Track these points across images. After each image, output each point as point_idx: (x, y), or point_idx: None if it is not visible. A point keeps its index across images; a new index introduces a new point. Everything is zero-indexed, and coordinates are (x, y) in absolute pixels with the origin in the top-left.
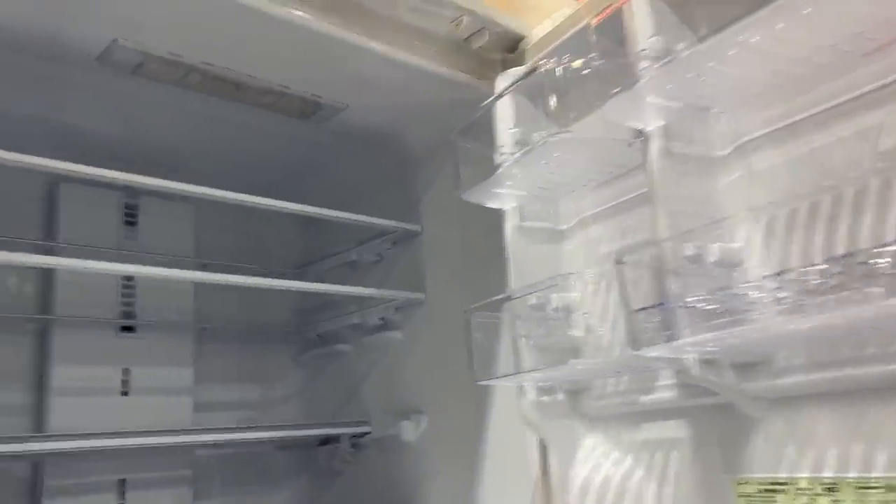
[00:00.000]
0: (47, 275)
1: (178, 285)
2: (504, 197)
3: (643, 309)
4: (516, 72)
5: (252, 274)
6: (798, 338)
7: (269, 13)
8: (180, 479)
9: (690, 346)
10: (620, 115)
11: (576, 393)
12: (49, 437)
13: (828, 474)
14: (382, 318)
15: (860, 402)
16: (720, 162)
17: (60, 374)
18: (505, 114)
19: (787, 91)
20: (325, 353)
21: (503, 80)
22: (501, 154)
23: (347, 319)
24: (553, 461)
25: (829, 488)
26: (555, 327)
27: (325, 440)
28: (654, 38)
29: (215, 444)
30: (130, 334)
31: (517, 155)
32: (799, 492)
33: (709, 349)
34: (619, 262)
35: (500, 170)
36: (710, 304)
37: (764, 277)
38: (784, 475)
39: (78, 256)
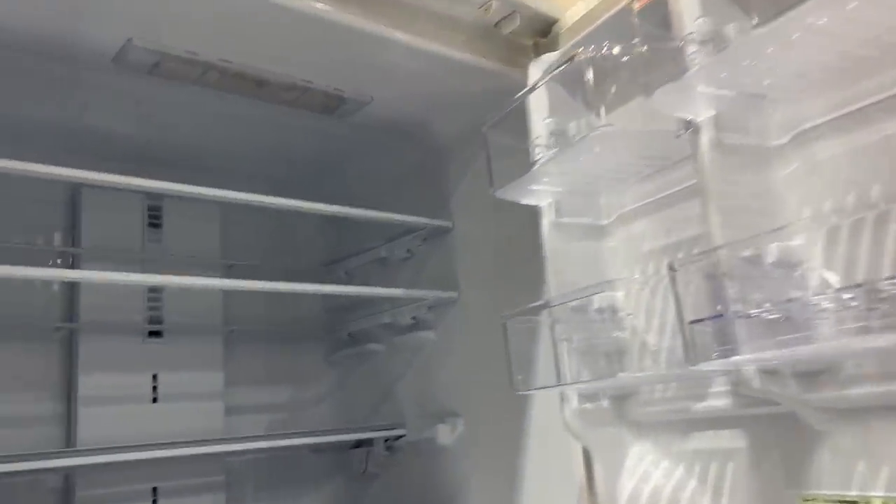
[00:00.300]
0: (72, 281)
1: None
2: (541, 193)
3: (699, 321)
4: (550, 58)
5: (280, 272)
6: (869, 349)
7: (287, 6)
8: (213, 485)
9: (752, 360)
10: (669, 105)
11: (621, 399)
12: (79, 452)
13: None
14: (415, 318)
15: None
16: (776, 153)
17: (88, 383)
18: (539, 104)
19: (853, 74)
20: (357, 352)
21: (536, 68)
22: (536, 147)
23: (379, 318)
24: (598, 470)
25: None
26: (597, 330)
27: (359, 443)
28: (701, 20)
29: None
30: (158, 339)
31: (555, 151)
32: None
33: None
34: (672, 269)
35: (537, 166)
36: (772, 314)
37: (838, 290)
38: (855, 493)
39: (102, 261)
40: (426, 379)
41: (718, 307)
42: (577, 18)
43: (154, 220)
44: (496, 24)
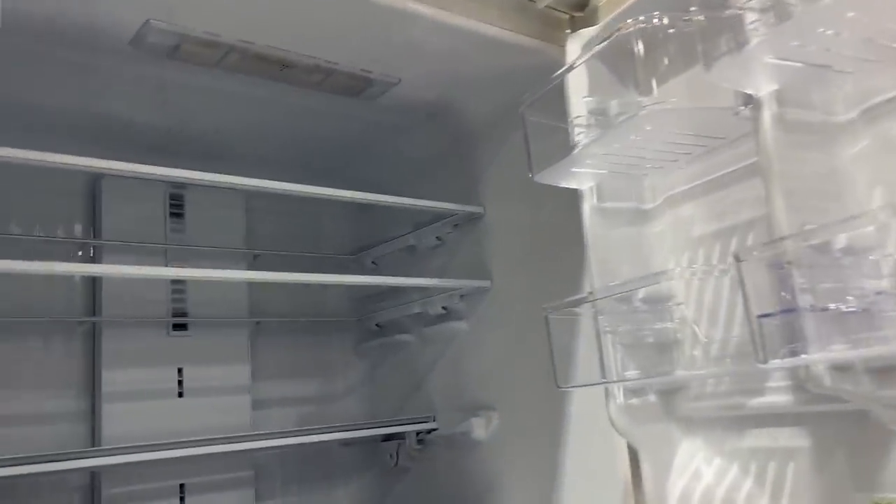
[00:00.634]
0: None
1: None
2: (583, 176)
3: (767, 315)
4: (588, 32)
5: (306, 261)
6: None
7: None
8: (241, 480)
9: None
10: (729, 79)
11: (669, 394)
12: (104, 452)
13: None
14: (445, 308)
15: None
16: (844, 129)
17: (112, 379)
18: (578, 81)
19: None
20: (386, 343)
21: (574, 43)
22: (576, 127)
23: (408, 309)
24: (646, 469)
25: None
26: (643, 321)
27: (390, 435)
28: None
29: None
30: (183, 332)
31: (600, 131)
32: None
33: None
34: (738, 259)
35: (580, 148)
36: (847, 307)
37: None
38: None
39: (123, 252)
40: (458, 371)
41: (786, 298)
42: None
43: (176, 209)
44: None
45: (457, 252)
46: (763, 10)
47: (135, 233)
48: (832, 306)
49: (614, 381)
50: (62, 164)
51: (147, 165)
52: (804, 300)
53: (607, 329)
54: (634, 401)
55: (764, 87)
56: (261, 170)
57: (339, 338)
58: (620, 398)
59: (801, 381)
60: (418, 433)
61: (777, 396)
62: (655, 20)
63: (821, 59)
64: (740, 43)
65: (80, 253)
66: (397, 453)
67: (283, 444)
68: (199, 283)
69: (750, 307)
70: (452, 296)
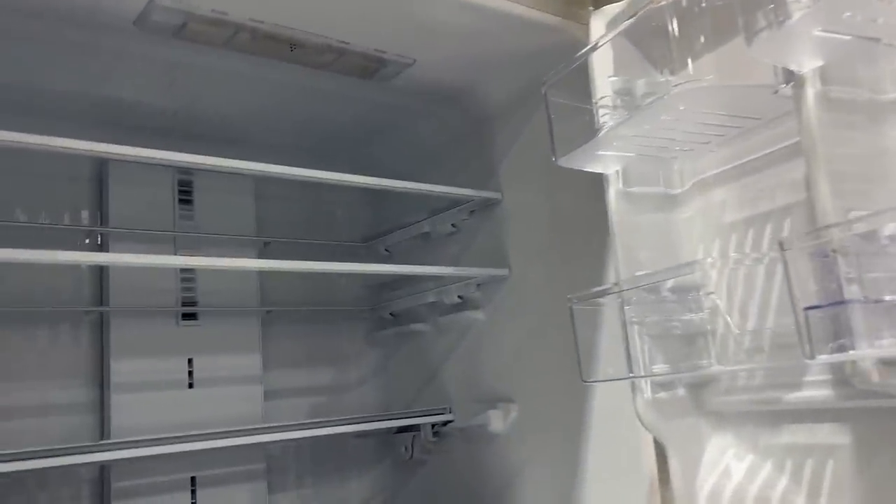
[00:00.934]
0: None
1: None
2: (609, 160)
3: (815, 307)
4: (613, 9)
5: (318, 249)
6: None
7: None
8: (254, 473)
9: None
10: (772, 54)
11: (699, 387)
12: (114, 446)
13: None
14: (461, 297)
15: None
16: (893, 108)
17: (121, 369)
18: (604, 60)
19: None
20: (400, 333)
21: (597, 20)
22: (601, 109)
23: (423, 297)
24: (674, 465)
25: None
26: (672, 311)
27: (405, 427)
28: None
29: None
30: (193, 322)
31: (630, 111)
32: None
33: None
34: (784, 248)
35: (606, 130)
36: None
37: None
38: None
39: (131, 240)
40: (474, 361)
41: (831, 289)
42: None
43: (185, 196)
44: None
45: (473, 239)
46: None
47: (142, 220)
48: (887, 297)
49: (644, 376)
50: (64, 148)
51: (153, 150)
52: (851, 291)
53: (634, 320)
54: (663, 395)
55: (808, 63)
56: (271, 155)
57: (351, 327)
58: (648, 392)
59: (846, 377)
60: (433, 425)
61: (816, 391)
62: None
63: (870, 32)
64: (783, 15)
65: (86, 241)
66: (412, 445)
67: (295, 436)
68: (209, 271)
69: (796, 298)
70: (469, 285)
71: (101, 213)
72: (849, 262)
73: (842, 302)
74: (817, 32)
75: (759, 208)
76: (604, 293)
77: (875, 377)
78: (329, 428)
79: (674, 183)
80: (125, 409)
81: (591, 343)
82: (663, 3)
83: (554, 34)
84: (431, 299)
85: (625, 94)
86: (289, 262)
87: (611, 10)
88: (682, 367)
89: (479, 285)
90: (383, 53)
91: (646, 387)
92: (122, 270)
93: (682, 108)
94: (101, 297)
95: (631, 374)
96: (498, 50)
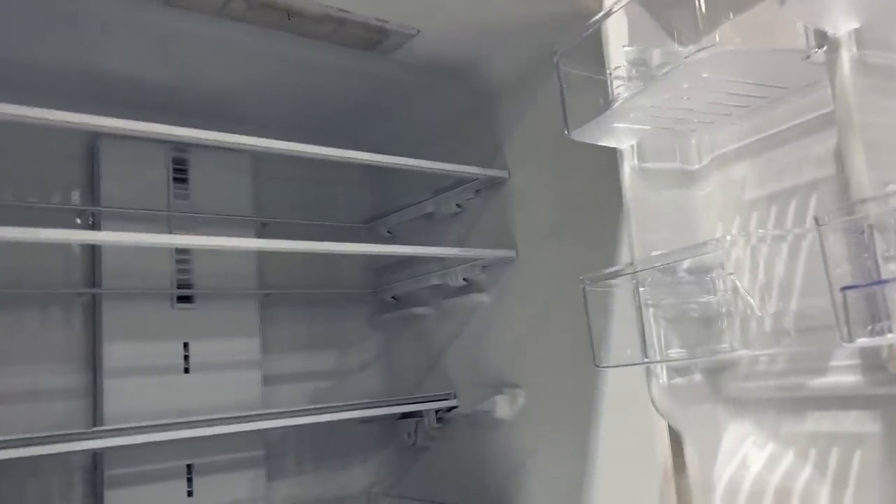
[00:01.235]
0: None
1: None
2: (624, 133)
3: (852, 287)
4: None
5: (318, 229)
6: None
7: None
8: (252, 460)
9: None
10: (805, 14)
11: (716, 372)
12: (107, 433)
13: None
14: (466, 279)
15: None
16: None
17: (114, 353)
18: (618, 28)
19: None
20: (402, 316)
21: None
22: (616, 80)
23: (426, 280)
24: (689, 453)
25: None
26: (689, 293)
27: (408, 412)
28: None
29: None
30: (188, 305)
31: (641, 83)
32: None
33: None
34: (820, 223)
35: (623, 99)
36: None
37: None
38: None
39: (124, 220)
40: (480, 346)
41: (867, 267)
42: None
43: (180, 174)
44: None
45: (479, 220)
46: None
47: (136, 199)
48: None
49: (659, 361)
50: (53, 120)
51: (150, 123)
52: (890, 270)
53: (649, 302)
54: (678, 380)
55: (844, 25)
56: (269, 133)
57: (353, 310)
58: (664, 378)
59: (881, 362)
60: (437, 411)
61: (843, 376)
62: None
63: None
64: None
65: (78, 220)
66: (415, 432)
67: (295, 423)
68: (206, 252)
69: (832, 278)
70: (474, 266)
71: (92, 192)
72: (886, 238)
73: (880, 282)
74: None
75: (783, 184)
76: (617, 274)
77: None
78: (330, 414)
79: (691, 158)
80: (118, 395)
81: (604, 326)
82: None
83: (563, 2)
84: (435, 282)
85: (640, 65)
86: (288, 241)
87: None
88: (699, 352)
89: (484, 267)
90: (385, 23)
91: (661, 372)
92: (115, 251)
93: (705, 75)
94: (93, 278)
95: (646, 359)
96: (505, 18)
